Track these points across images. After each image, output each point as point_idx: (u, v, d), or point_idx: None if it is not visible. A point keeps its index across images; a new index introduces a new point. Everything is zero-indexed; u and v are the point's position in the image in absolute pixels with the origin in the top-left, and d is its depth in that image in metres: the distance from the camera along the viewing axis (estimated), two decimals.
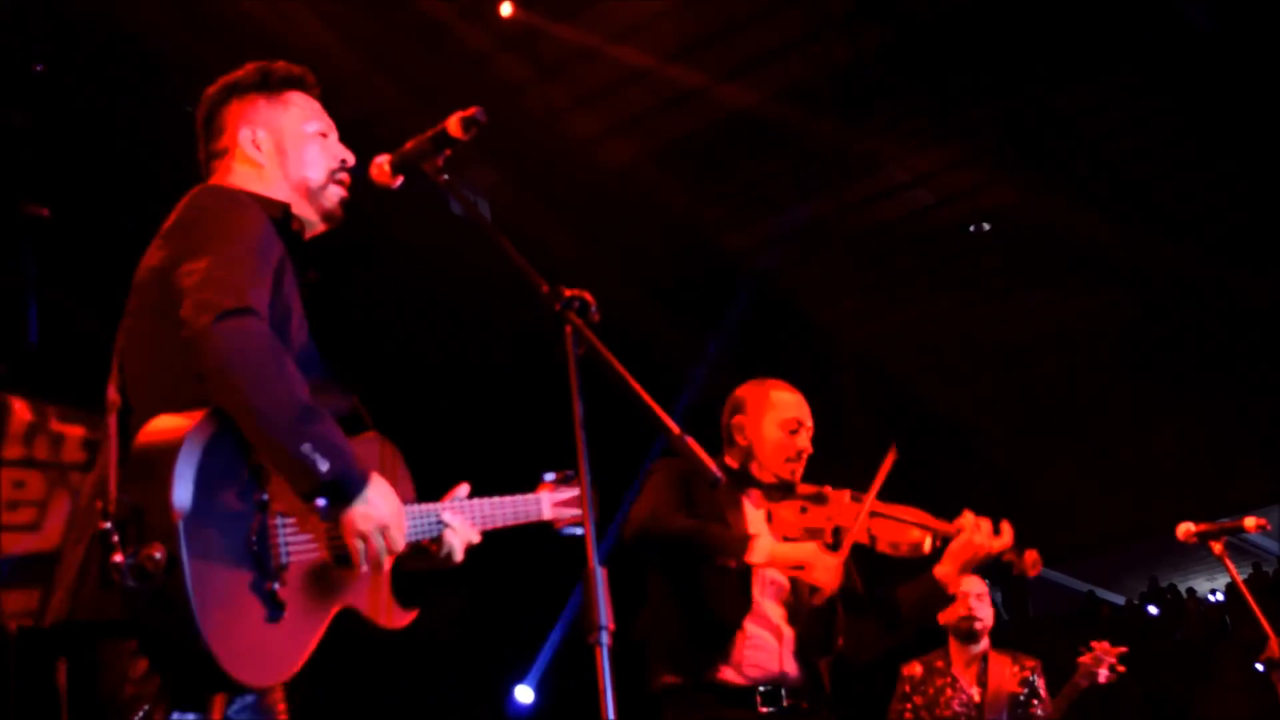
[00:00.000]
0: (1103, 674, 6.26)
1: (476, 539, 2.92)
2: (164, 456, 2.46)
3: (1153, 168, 9.69)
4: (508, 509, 3.08)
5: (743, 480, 4.47)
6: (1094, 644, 6.41)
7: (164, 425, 2.52)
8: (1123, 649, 6.23)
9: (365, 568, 2.64)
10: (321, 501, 2.55)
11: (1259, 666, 6.00)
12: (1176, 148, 9.43)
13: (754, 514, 4.41)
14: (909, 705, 6.29)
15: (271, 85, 3.05)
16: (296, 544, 2.61)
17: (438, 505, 2.91)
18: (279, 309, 2.73)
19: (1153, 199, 9.91)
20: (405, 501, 2.77)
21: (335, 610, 2.65)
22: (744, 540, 4.11)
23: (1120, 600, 15.35)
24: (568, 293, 2.50)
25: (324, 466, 2.49)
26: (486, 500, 3.02)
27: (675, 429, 2.54)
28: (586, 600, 2.20)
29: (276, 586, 2.52)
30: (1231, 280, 10.51)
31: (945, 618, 6.33)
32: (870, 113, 8.89)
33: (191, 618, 2.40)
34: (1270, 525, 5.52)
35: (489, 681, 10.02)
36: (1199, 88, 8.52)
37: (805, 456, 4.50)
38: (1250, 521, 5.25)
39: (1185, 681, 11.08)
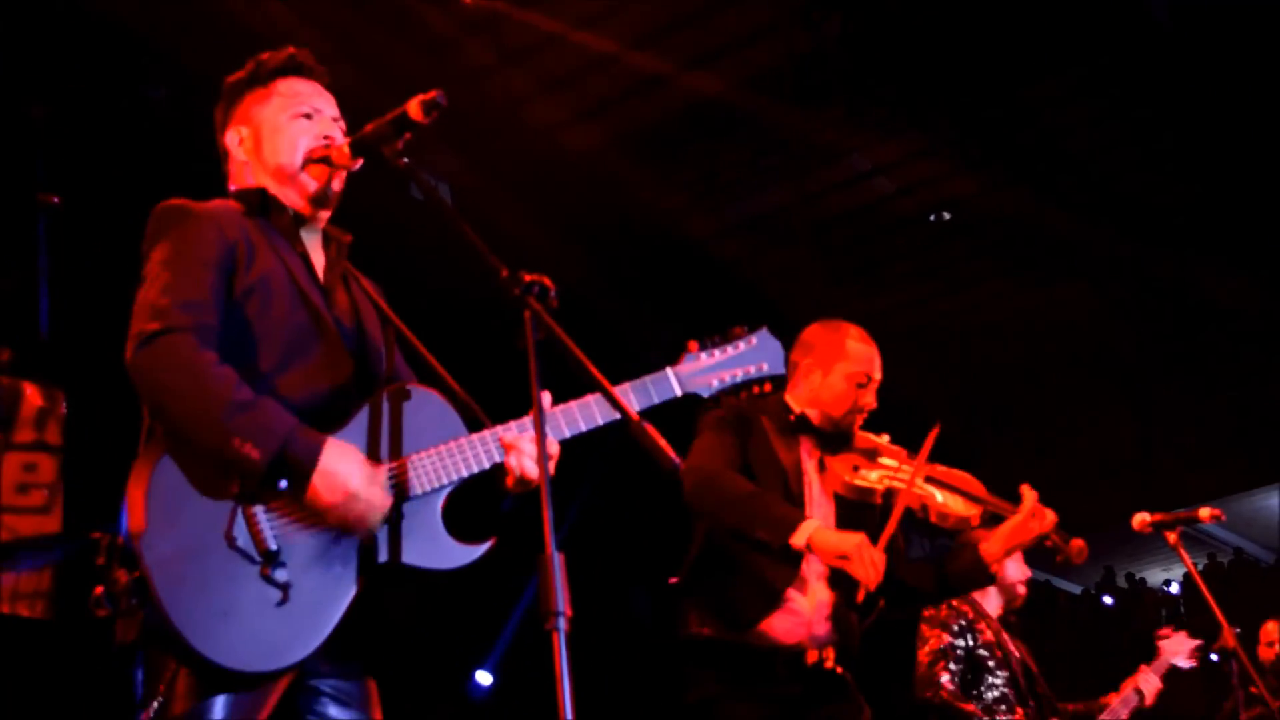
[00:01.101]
0: (1183, 661, 6.23)
1: (553, 450, 2.80)
2: (125, 485, 2.60)
3: (1116, 160, 9.74)
4: (591, 407, 2.90)
5: (799, 425, 4.36)
6: (1165, 630, 6.38)
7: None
8: (1198, 641, 6.13)
9: (364, 532, 2.67)
10: (282, 484, 2.58)
11: (1213, 656, 6.06)
12: (1139, 140, 9.48)
13: (808, 462, 4.31)
14: (962, 643, 6.24)
15: (261, 78, 3.09)
16: (287, 526, 2.64)
17: (497, 429, 2.86)
18: (239, 298, 2.76)
19: (1116, 192, 9.96)
20: (448, 440, 2.80)
21: (363, 575, 2.69)
22: (793, 520, 3.92)
23: (1076, 590, 15.45)
24: (527, 278, 2.49)
25: (256, 453, 2.54)
26: (572, 404, 2.89)
27: (634, 415, 2.54)
28: (544, 586, 2.19)
29: (273, 571, 2.59)
30: (1192, 276, 10.58)
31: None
32: (832, 102, 8.90)
33: (173, 628, 2.50)
34: (1225, 516, 5.56)
35: (448, 665, 9.99)
36: (1157, 77, 8.57)
37: (867, 411, 4.39)
38: (1205, 512, 5.29)
39: None
